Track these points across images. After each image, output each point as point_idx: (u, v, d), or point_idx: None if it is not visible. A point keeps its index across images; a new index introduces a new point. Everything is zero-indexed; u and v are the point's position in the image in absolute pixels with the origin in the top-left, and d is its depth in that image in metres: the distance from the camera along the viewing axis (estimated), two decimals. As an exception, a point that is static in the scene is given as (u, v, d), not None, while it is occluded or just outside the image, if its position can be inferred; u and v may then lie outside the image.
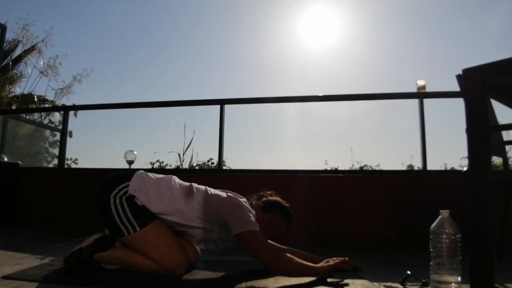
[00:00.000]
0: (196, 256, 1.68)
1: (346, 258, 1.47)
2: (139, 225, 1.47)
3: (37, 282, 1.34)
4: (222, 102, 3.12)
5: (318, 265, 1.45)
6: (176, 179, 1.63)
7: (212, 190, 1.59)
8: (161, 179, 1.60)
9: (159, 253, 1.45)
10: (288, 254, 1.46)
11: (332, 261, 1.46)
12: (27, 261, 1.70)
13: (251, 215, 1.47)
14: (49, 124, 6.87)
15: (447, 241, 1.22)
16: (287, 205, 1.64)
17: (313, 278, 1.45)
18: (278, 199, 1.65)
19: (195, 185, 1.61)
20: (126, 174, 1.60)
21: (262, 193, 1.69)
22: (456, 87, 1.40)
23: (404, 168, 3.40)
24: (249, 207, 1.54)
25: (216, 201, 1.51)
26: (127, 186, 1.53)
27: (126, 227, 1.47)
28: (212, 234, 1.55)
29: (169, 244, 1.48)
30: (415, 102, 2.87)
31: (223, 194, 1.57)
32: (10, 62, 8.59)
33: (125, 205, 1.49)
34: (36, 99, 8.57)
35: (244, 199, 1.61)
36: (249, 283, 1.40)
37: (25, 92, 8.72)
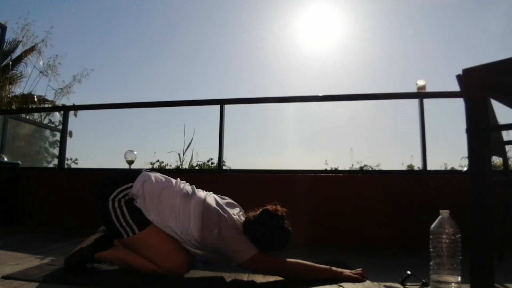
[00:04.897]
0: (195, 256, 1.68)
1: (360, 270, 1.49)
2: (138, 228, 1.46)
3: (37, 282, 1.34)
4: (222, 102, 3.12)
5: (340, 270, 1.46)
6: (179, 192, 1.54)
7: (206, 215, 1.48)
8: (163, 189, 1.53)
9: (159, 255, 1.45)
10: (293, 260, 1.44)
11: (349, 272, 1.45)
12: (27, 261, 1.70)
13: (244, 242, 1.43)
14: (49, 124, 6.86)
15: (447, 241, 1.23)
16: (287, 236, 1.48)
17: (316, 280, 1.46)
18: (278, 236, 1.48)
19: (192, 204, 1.51)
20: (128, 175, 1.57)
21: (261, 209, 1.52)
22: (456, 87, 1.40)
23: (404, 168, 3.39)
24: (240, 234, 1.45)
25: (209, 232, 1.45)
26: (129, 187, 1.50)
27: (125, 230, 1.46)
28: (206, 250, 1.53)
29: (169, 246, 1.48)
30: (415, 102, 2.87)
31: (213, 225, 1.45)
32: (10, 62, 8.59)
33: (124, 208, 1.47)
34: (36, 99, 8.56)
35: (237, 211, 1.57)
36: (249, 283, 1.41)
37: (25, 92, 8.71)
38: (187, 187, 1.61)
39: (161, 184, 1.56)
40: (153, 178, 1.57)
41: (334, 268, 1.45)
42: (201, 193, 1.60)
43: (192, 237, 1.47)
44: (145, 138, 3.94)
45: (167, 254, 1.46)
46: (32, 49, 8.99)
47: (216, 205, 1.53)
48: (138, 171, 1.59)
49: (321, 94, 3.07)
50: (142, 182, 1.53)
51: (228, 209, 1.54)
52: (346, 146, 3.40)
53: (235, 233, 1.45)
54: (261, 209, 1.50)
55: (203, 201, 1.53)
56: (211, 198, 1.58)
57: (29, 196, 3.22)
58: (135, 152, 3.28)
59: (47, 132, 5.80)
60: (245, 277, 1.51)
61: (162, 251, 1.46)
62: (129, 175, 1.56)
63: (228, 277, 1.50)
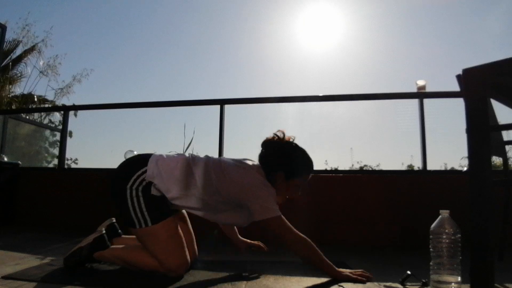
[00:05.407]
0: (194, 256, 1.69)
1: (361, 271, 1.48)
2: (152, 221, 1.46)
3: (37, 282, 1.34)
4: (222, 102, 3.12)
5: (341, 269, 1.46)
6: (192, 160, 1.57)
7: (227, 169, 1.52)
8: (177, 162, 1.55)
9: (163, 252, 1.45)
10: (307, 239, 1.47)
11: (349, 272, 1.45)
12: (27, 261, 1.70)
13: (271, 197, 1.47)
14: (49, 124, 6.87)
15: (447, 241, 1.23)
16: (303, 153, 1.59)
17: (316, 280, 1.46)
18: (294, 153, 1.58)
19: (210, 164, 1.55)
20: (141, 159, 1.56)
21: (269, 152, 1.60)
22: (456, 87, 1.40)
23: (404, 168, 3.40)
24: (266, 183, 1.50)
25: (235, 186, 1.49)
26: (144, 172, 1.51)
27: (138, 220, 1.47)
28: (231, 206, 1.56)
29: (175, 245, 1.48)
30: (415, 102, 2.87)
31: (238, 175, 1.51)
32: (10, 62, 8.59)
33: (141, 199, 1.48)
34: (36, 99, 8.57)
35: (257, 166, 1.59)
36: (249, 283, 1.41)
37: (25, 92, 8.73)
38: (199, 156, 1.64)
39: (174, 158, 1.58)
40: (164, 156, 1.59)
41: (337, 269, 1.45)
42: (215, 157, 1.63)
43: (219, 195, 1.49)
44: (145, 138, 3.93)
45: (172, 252, 1.46)
46: (32, 49, 9.01)
47: (234, 160, 1.59)
48: (149, 155, 1.59)
49: (321, 94, 3.07)
50: (155, 162, 1.54)
51: (245, 161, 1.60)
52: (346, 146, 3.40)
53: (261, 183, 1.49)
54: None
55: (219, 161, 1.57)
56: (225, 158, 1.63)
57: (29, 196, 3.22)
58: (135, 152, 3.27)
59: (47, 132, 5.80)
60: (244, 278, 1.51)
61: (168, 247, 1.46)
62: (142, 159, 1.56)
63: (228, 276, 1.50)
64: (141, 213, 1.47)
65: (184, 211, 1.74)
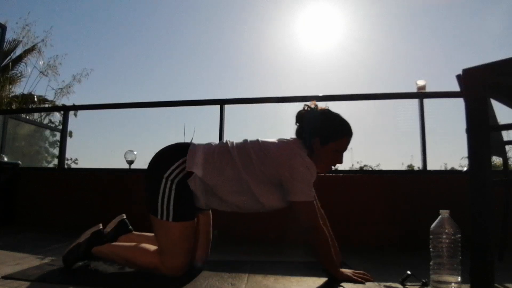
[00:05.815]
0: (206, 258, 1.68)
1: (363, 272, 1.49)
2: (173, 218, 1.46)
3: (37, 282, 1.34)
4: (222, 102, 3.11)
5: (342, 269, 1.46)
6: (231, 145, 1.56)
7: (266, 147, 1.52)
8: (216, 149, 1.54)
9: (168, 251, 1.45)
10: (328, 234, 1.49)
11: (351, 272, 1.46)
12: (27, 261, 1.70)
13: (309, 177, 1.47)
14: (49, 124, 6.88)
15: (447, 241, 1.23)
16: (337, 116, 1.59)
17: (316, 280, 1.46)
18: (327, 117, 1.57)
19: (249, 145, 1.54)
20: (181, 148, 1.56)
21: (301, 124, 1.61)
22: (456, 87, 1.40)
23: (404, 168, 3.40)
24: (306, 158, 1.48)
25: (276, 163, 1.47)
26: (183, 162, 1.50)
27: (162, 211, 1.46)
28: (263, 195, 1.53)
29: (181, 248, 1.47)
30: (415, 102, 2.87)
31: (277, 150, 1.50)
32: (10, 62, 8.59)
33: (172, 192, 1.47)
34: (36, 99, 8.57)
35: (296, 140, 1.58)
36: (250, 283, 1.41)
37: (25, 92, 8.74)
38: (237, 140, 1.62)
39: (212, 146, 1.58)
40: (203, 144, 1.59)
41: (339, 269, 1.45)
42: (253, 139, 1.61)
43: (261, 174, 1.48)
44: (145, 138, 3.94)
45: (176, 254, 1.46)
46: (32, 49, 9.01)
47: (271, 139, 1.58)
48: (187, 144, 1.60)
49: (321, 94, 3.07)
50: (194, 151, 1.53)
51: (284, 138, 1.60)
52: (346, 146, 3.39)
53: (300, 157, 1.47)
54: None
55: (258, 140, 1.57)
56: (264, 138, 1.61)
57: (29, 196, 3.22)
58: (135, 152, 3.29)
59: (47, 132, 5.81)
60: (245, 277, 1.51)
61: (175, 248, 1.46)
62: (181, 148, 1.56)
63: (228, 276, 1.50)
64: (167, 206, 1.46)
65: (210, 212, 1.72)
